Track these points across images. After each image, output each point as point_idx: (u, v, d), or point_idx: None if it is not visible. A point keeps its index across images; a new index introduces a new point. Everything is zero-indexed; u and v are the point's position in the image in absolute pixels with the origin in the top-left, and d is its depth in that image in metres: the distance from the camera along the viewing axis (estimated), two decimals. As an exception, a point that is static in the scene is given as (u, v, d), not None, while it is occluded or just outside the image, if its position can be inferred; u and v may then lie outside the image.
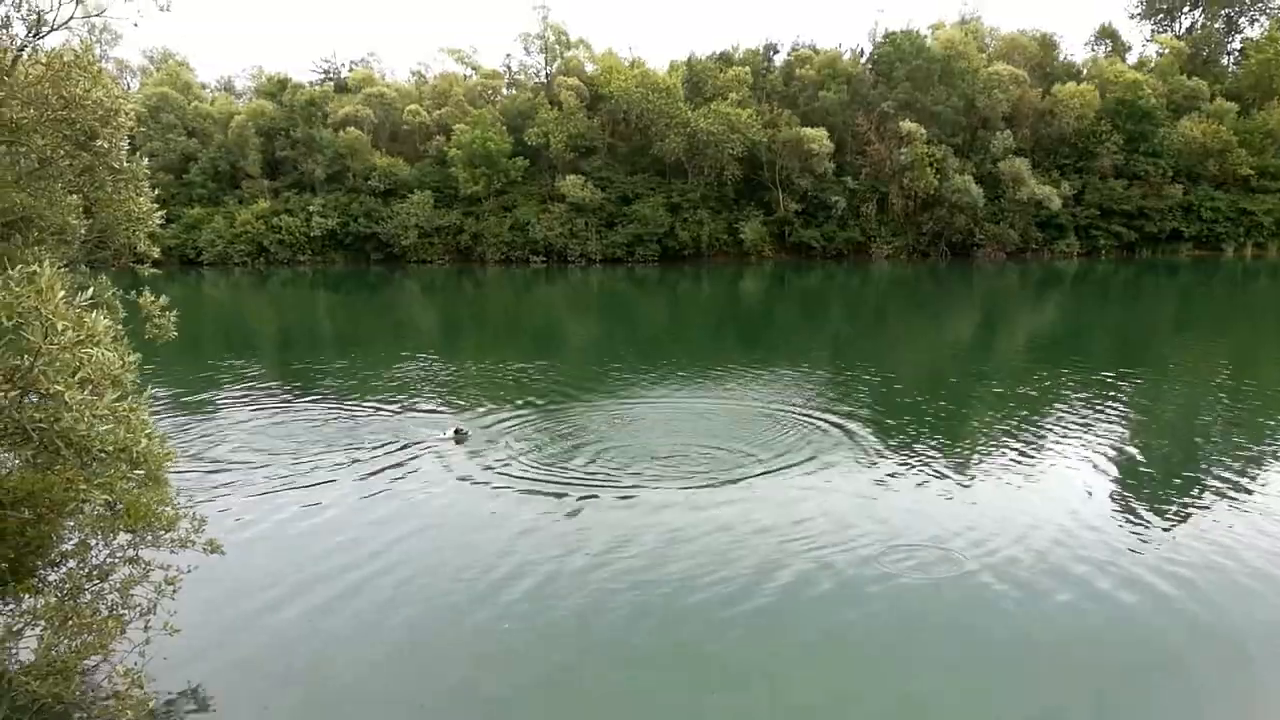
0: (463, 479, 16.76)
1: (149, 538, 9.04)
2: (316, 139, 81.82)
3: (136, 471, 8.40)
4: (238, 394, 25.39)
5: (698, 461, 17.59)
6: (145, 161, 10.51)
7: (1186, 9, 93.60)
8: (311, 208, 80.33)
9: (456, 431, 19.70)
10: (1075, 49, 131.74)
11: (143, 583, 9.00)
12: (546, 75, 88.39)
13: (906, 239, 78.86)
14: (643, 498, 15.54)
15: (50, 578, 9.00)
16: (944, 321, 45.19)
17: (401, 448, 18.96)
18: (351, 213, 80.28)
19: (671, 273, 71.29)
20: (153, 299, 9.93)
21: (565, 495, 15.80)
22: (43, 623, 8.12)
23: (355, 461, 18.09)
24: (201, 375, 28.60)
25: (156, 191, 10.72)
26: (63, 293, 6.78)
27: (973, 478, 16.71)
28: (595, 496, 15.70)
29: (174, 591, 9.11)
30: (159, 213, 10.70)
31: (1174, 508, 15.05)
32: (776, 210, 79.16)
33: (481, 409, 22.89)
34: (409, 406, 23.35)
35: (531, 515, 14.82)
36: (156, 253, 11.15)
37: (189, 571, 9.57)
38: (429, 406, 23.42)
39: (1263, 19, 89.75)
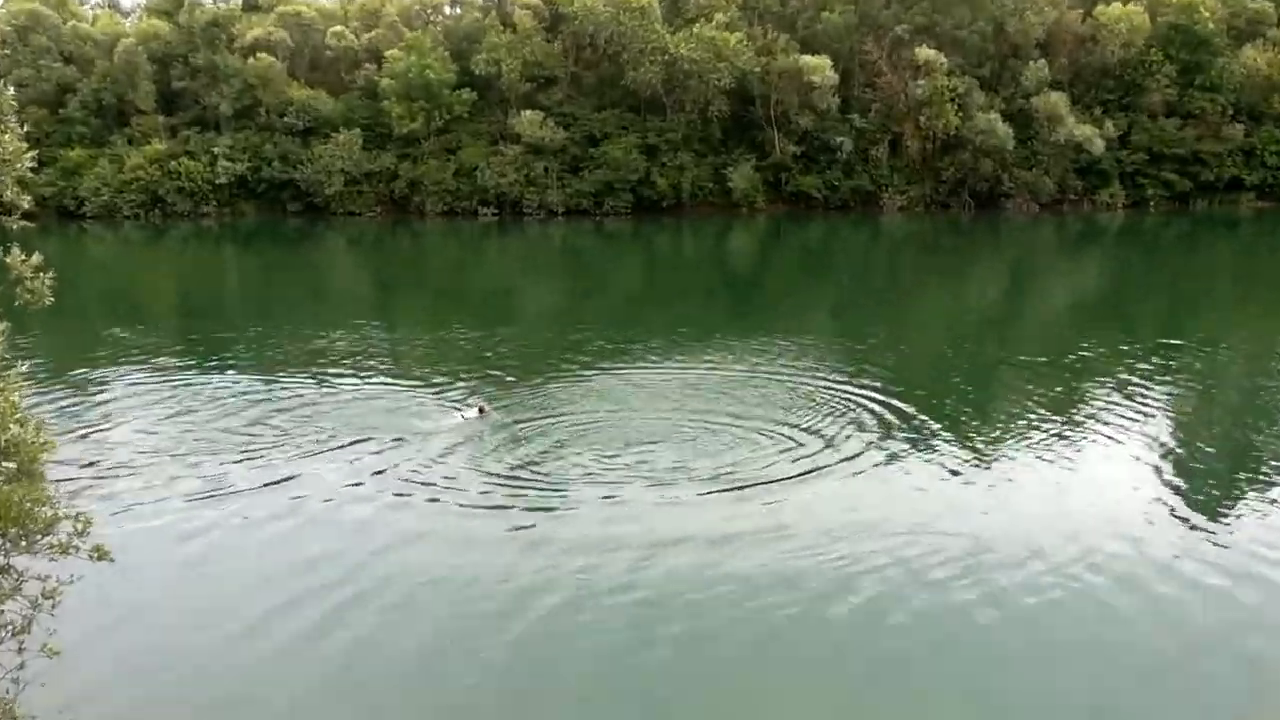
0: (405, 478, 16.57)
1: (23, 542, 8.86)
2: (221, 67, 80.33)
3: (7, 464, 8.23)
4: (131, 372, 25.04)
5: (684, 450, 17.58)
6: (11, 91, 10.23)
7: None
8: (216, 149, 79.01)
9: (480, 410, 19.76)
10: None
11: (15, 596, 8.83)
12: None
13: (923, 188, 78.96)
14: (621, 495, 15.51)
15: (-98, 591, 8.81)
16: (968, 284, 45.45)
17: (329, 437, 18.75)
18: (264, 155, 79.04)
19: (647, 226, 71.05)
20: (23, 257, 9.69)
21: (529, 492, 15.74)
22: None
23: (275, 454, 17.88)
24: (87, 350, 28.11)
25: (26, 128, 10.44)
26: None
27: (1012, 465, 16.93)
28: (561, 494, 15.66)
29: (54, 606, 8.93)
30: (29, 154, 10.43)
31: (1240, 499, 15.28)
32: (771, 153, 78.93)
33: (426, 388, 22.75)
34: (337, 386, 23.10)
35: (485, 519, 14.72)
36: (28, 202, 10.87)
37: (72, 582, 9.40)
38: (361, 387, 23.20)
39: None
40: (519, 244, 63.98)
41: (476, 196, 78.06)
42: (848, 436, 18.31)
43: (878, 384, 22.45)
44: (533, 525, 14.50)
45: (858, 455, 17.26)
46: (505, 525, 14.51)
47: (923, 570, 12.63)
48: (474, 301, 40.62)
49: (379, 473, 16.76)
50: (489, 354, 26.87)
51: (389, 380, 23.96)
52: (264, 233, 71.01)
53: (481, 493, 15.76)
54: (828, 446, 17.69)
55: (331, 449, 18.08)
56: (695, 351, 26.48)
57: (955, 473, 16.57)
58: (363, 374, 24.54)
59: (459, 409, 20.36)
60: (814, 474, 16.34)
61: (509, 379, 23.50)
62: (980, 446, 18.02)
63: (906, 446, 17.92)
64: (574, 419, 19.63)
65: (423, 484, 16.19)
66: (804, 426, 18.89)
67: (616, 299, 41.82)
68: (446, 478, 16.43)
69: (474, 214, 77.92)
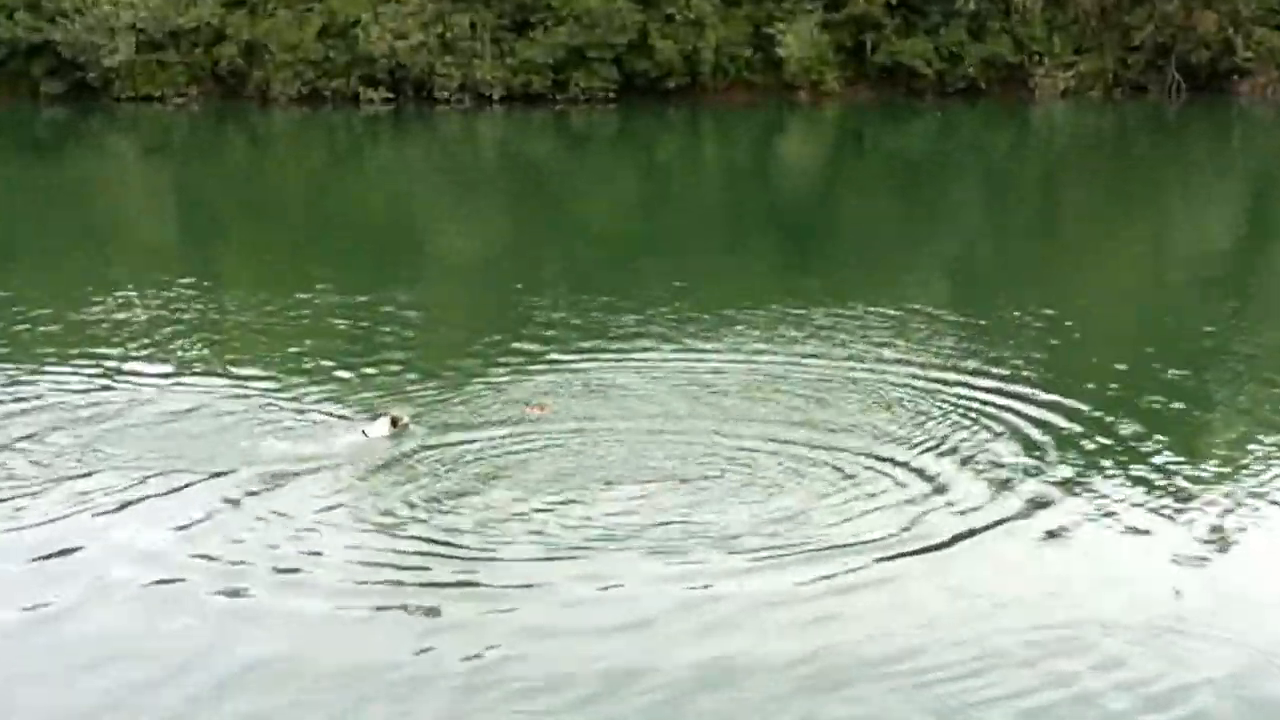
0: (250, 558, 15.66)
1: None
2: None
3: None
4: None
5: (721, 498, 17.06)
6: None
7: None
8: (-79, -7, 79.45)
9: (394, 422, 19.46)
10: None
11: None
12: None
13: (1102, 59, 79.35)
14: (620, 580, 14.80)
15: None
16: (1181, 217, 45.70)
17: (126, 480, 18.09)
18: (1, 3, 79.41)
19: (642, 119, 71.20)
20: None
21: (465, 580, 14.99)
22: None
23: (33, 509, 17.15)
24: None
25: None
26: None
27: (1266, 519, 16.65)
28: (516, 579, 14.93)
29: None
30: None
31: None
32: (848, 2, 79.07)
33: (282, 388, 22.60)
34: (137, 387, 22.88)
35: (391, 633, 13.86)
36: None
37: None
38: (177, 386, 23.00)
39: None
40: (429, 149, 64.14)
41: (357, 72, 78.34)
42: (1014, 473, 17.90)
43: (1051, 384, 22.23)
44: (473, 640, 13.56)
45: (1039, 507, 16.77)
46: (423, 643, 13.53)
47: (1169, 699, 11.95)
48: (358, 244, 40.67)
49: (207, 559, 15.64)
50: (385, 330, 27.02)
51: (225, 376, 23.76)
52: (3, 130, 70.88)
53: (385, 583, 14.97)
54: (981, 490, 17.29)
55: (130, 500, 17.38)
56: (727, 328, 26.48)
57: (1207, 535, 16.12)
58: (180, 365, 24.50)
59: (351, 421, 20.17)
60: (963, 540, 15.79)
61: (419, 371, 23.45)
62: (1241, 490, 17.62)
63: (1118, 490, 17.48)
64: (531, 443, 19.21)
65: (283, 570, 15.36)
66: (934, 453, 18.59)
67: (594, 241, 42.03)
68: (312, 554, 15.67)
69: (353, 100, 78.00)
